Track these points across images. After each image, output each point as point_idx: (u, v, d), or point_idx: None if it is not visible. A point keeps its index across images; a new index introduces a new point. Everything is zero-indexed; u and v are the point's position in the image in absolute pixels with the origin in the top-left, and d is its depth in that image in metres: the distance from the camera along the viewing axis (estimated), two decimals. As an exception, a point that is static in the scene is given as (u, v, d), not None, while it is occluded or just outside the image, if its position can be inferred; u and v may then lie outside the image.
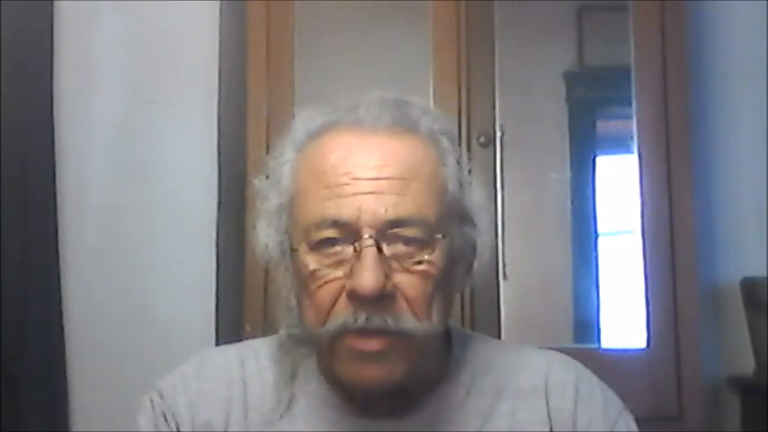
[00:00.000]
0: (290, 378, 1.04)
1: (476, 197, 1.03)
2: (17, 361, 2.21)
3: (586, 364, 1.10)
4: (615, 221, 2.14)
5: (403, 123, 0.99)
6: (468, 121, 2.07)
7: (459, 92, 2.07)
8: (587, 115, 2.24)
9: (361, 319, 0.93)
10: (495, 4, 2.11)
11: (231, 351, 1.09)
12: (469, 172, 1.04)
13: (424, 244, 0.95)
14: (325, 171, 0.96)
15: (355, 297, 0.93)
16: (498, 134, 2.07)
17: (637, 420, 1.07)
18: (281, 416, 1.02)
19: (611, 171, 2.19)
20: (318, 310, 0.95)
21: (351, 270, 0.93)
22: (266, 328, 1.14)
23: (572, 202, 2.15)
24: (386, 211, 0.94)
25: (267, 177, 1.03)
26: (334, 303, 0.94)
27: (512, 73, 2.11)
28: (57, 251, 2.29)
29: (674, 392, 1.97)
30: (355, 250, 0.93)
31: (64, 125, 2.35)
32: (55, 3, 2.36)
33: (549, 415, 1.03)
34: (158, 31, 2.42)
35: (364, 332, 0.93)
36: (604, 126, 2.27)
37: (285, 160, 1.01)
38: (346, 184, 0.95)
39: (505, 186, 2.05)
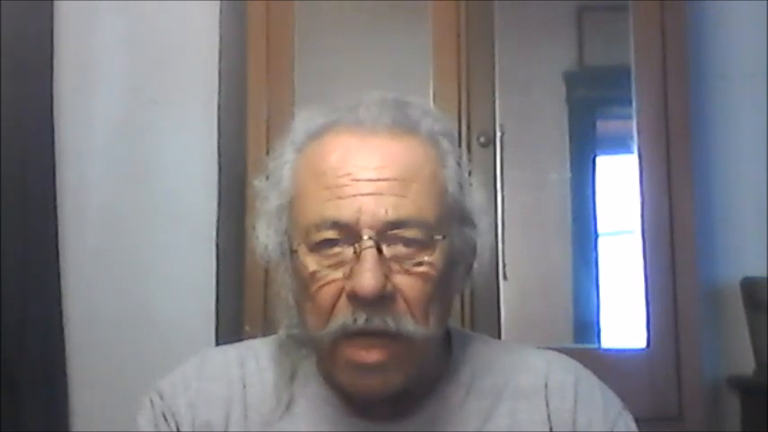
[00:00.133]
0: (290, 378, 1.04)
1: (476, 198, 1.02)
2: (17, 361, 2.21)
3: (586, 364, 1.10)
4: (615, 221, 2.14)
5: (403, 124, 0.98)
6: (468, 121, 2.07)
7: (459, 92, 2.08)
8: (587, 115, 2.24)
9: (361, 320, 0.93)
10: (495, 4, 2.11)
11: (231, 351, 1.09)
12: (469, 173, 1.03)
13: (424, 245, 0.95)
14: (325, 172, 0.96)
15: (355, 298, 0.93)
16: (498, 134, 2.07)
17: (637, 420, 1.07)
18: (281, 416, 1.02)
19: (611, 171, 2.19)
20: (318, 311, 0.95)
21: (351, 271, 0.93)
22: (266, 329, 1.14)
23: (572, 202, 2.15)
24: (386, 212, 0.93)
25: (267, 178, 1.03)
26: (333, 304, 0.94)
27: (512, 73, 2.11)
28: (57, 251, 2.29)
29: (674, 392, 1.97)
30: (355, 251, 0.93)
31: (64, 125, 2.35)
32: (55, 3, 2.36)
33: (548, 415, 1.03)
34: (158, 31, 2.42)
35: (364, 334, 0.93)
36: (604, 126, 2.27)
37: (285, 161, 1.01)
38: (346, 186, 0.94)
39: (505, 186, 2.05)
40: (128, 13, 2.41)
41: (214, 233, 2.27)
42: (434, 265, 0.95)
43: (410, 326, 0.94)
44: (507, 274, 2.02)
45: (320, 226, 0.95)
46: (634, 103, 2.08)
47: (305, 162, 0.99)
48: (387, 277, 0.93)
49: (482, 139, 2.06)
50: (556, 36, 2.23)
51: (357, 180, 0.94)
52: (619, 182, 2.11)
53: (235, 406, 1.03)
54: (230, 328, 2.14)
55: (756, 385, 2.15)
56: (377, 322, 0.93)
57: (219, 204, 2.27)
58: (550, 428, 1.02)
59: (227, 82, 2.29)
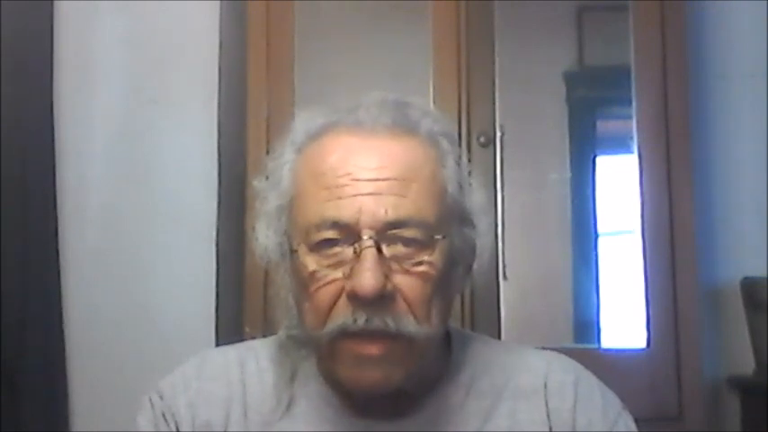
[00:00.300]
0: (290, 379, 1.04)
1: (475, 198, 1.03)
2: (17, 361, 2.21)
3: (586, 364, 1.10)
4: (615, 221, 2.14)
5: (403, 125, 0.99)
6: (468, 121, 2.07)
7: (459, 92, 2.08)
8: (587, 115, 2.24)
9: (361, 320, 0.93)
10: (495, 4, 2.11)
11: (231, 351, 1.09)
12: (469, 173, 1.04)
13: (424, 245, 0.95)
14: (325, 172, 0.96)
15: (355, 298, 0.93)
16: (498, 134, 2.07)
17: (637, 420, 1.07)
18: (281, 416, 1.02)
19: (611, 171, 2.19)
20: (318, 312, 0.95)
21: (350, 271, 0.93)
22: (266, 329, 1.14)
23: (572, 202, 2.15)
24: (386, 212, 0.94)
25: (267, 178, 1.03)
26: (333, 304, 0.94)
27: (512, 73, 2.11)
28: (57, 251, 2.29)
29: (674, 392, 1.97)
30: (355, 251, 0.93)
31: (64, 125, 2.35)
32: (55, 3, 2.36)
33: (548, 415, 1.03)
34: (158, 31, 2.42)
35: (364, 334, 0.93)
36: (604, 126, 2.27)
37: (285, 161, 1.01)
38: (346, 186, 0.95)
39: (505, 186, 2.05)
40: (128, 13, 2.41)
41: (214, 233, 2.27)
42: (434, 265, 0.95)
43: (410, 326, 0.94)
44: (507, 274, 2.02)
45: (320, 226, 0.95)
46: (634, 103, 2.08)
47: (305, 162, 0.99)
48: (387, 277, 0.93)
49: (482, 139, 2.06)
50: (556, 36, 2.23)
51: (357, 180, 0.94)
52: (619, 182, 2.11)
53: (234, 406, 1.03)
54: (230, 328, 2.14)
55: (756, 385, 2.15)
56: (377, 322, 0.93)
57: (219, 204, 2.27)
58: (550, 428, 1.02)
59: (227, 82, 2.28)
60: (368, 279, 0.91)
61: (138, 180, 2.39)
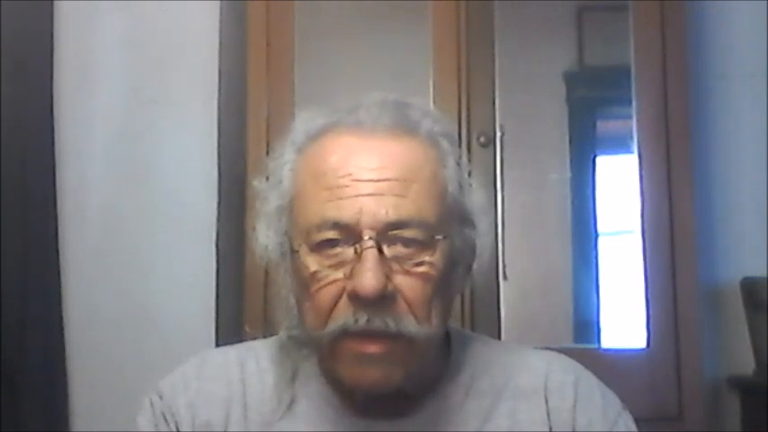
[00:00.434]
0: (291, 379, 1.04)
1: (475, 198, 1.03)
2: (17, 361, 2.22)
3: (586, 364, 1.10)
4: (615, 221, 2.14)
5: (403, 125, 0.99)
6: (468, 121, 2.07)
7: (459, 92, 2.07)
8: (587, 115, 2.24)
9: (362, 321, 0.93)
10: (495, 4, 2.11)
11: (231, 352, 1.09)
12: (469, 173, 1.04)
13: (425, 245, 0.95)
14: (326, 173, 0.96)
15: (356, 298, 0.93)
16: (498, 134, 2.07)
17: (637, 420, 1.07)
18: (282, 416, 1.02)
19: (611, 171, 2.19)
20: (319, 312, 0.96)
21: (351, 271, 0.93)
22: (266, 329, 1.14)
23: (572, 202, 2.15)
24: (386, 212, 0.94)
25: (267, 179, 1.04)
26: (334, 305, 0.95)
27: (512, 73, 2.11)
28: (57, 251, 2.30)
29: (674, 392, 1.97)
30: (356, 252, 0.93)
31: (64, 125, 2.35)
32: (55, 3, 2.36)
33: (548, 415, 1.03)
34: (158, 31, 2.42)
35: (365, 334, 0.93)
36: (604, 126, 2.27)
37: (285, 161, 1.01)
38: (347, 186, 0.95)
39: (505, 186, 2.05)
40: (128, 13, 2.41)
41: (214, 233, 2.27)
42: (435, 266, 0.95)
43: (411, 326, 0.94)
44: (507, 274, 2.02)
45: (321, 226, 0.95)
46: (634, 103, 2.08)
47: (305, 163, 1.00)
48: (387, 277, 0.93)
49: (482, 139, 2.06)
50: (556, 36, 2.23)
51: (357, 181, 0.95)
52: (619, 182, 2.11)
53: (234, 406, 1.03)
54: (230, 328, 2.14)
55: (756, 385, 2.15)
56: (377, 323, 0.93)
57: (219, 204, 2.27)
58: (550, 428, 1.02)
59: (227, 82, 2.28)
60: (369, 279, 0.91)
61: (138, 180, 2.39)
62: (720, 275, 2.29)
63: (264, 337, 1.11)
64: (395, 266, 0.94)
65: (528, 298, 2.11)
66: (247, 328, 1.97)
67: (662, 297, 2.00)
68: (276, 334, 1.08)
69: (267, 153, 1.93)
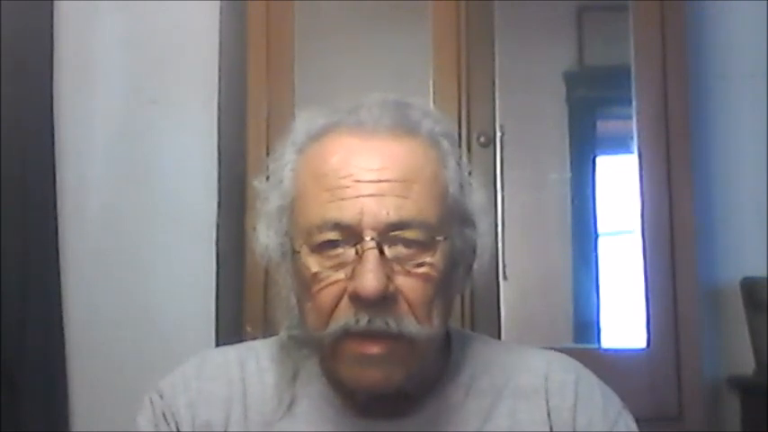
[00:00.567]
0: (292, 378, 1.04)
1: (476, 199, 1.03)
2: (17, 361, 2.21)
3: (586, 364, 1.10)
4: (615, 221, 2.14)
5: (404, 125, 0.99)
6: (468, 121, 2.07)
7: (459, 92, 2.07)
8: (587, 115, 2.24)
9: (363, 322, 0.93)
10: (495, 4, 2.11)
11: (231, 351, 1.09)
12: (469, 173, 1.04)
13: (426, 246, 0.95)
14: (327, 173, 0.96)
15: (357, 299, 0.93)
16: (498, 134, 2.07)
17: (637, 420, 1.07)
18: (282, 416, 1.02)
19: (611, 171, 2.19)
20: (320, 313, 0.96)
21: (352, 272, 0.93)
22: (266, 329, 1.14)
23: (572, 202, 2.15)
24: (387, 213, 0.94)
25: (267, 179, 1.04)
26: (335, 305, 0.95)
27: (512, 73, 2.11)
28: (57, 251, 2.29)
29: (674, 392, 1.97)
30: (357, 252, 0.93)
31: (64, 125, 2.35)
32: (55, 3, 2.36)
33: (548, 415, 1.03)
34: (158, 31, 2.42)
35: (366, 334, 0.93)
36: (604, 126, 2.28)
37: (286, 162, 1.01)
38: (348, 187, 0.95)
39: (505, 186, 2.05)
40: (128, 13, 2.41)
41: (214, 233, 2.27)
42: (436, 266, 0.95)
43: (412, 327, 0.94)
44: (507, 274, 2.02)
45: (322, 227, 0.95)
46: (634, 103, 2.08)
47: (306, 163, 1.00)
48: (388, 278, 0.93)
49: (482, 139, 2.06)
50: (556, 36, 2.23)
51: (359, 181, 0.95)
52: (619, 182, 2.11)
53: (235, 406, 1.04)
54: (230, 328, 2.14)
55: (756, 385, 2.15)
56: (378, 323, 0.93)
57: (219, 205, 2.27)
58: (550, 428, 1.02)
59: (227, 82, 2.28)
60: (370, 280, 0.92)
61: (138, 180, 2.39)
62: (720, 275, 2.29)
63: (265, 337, 1.11)
64: (396, 267, 0.94)
65: (528, 298, 2.11)
66: (249, 327, 1.97)
67: (662, 297, 2.00)
68: (276, 334, 1.08)
69: (267, 153, 1.94)
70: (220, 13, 2.33)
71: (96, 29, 2.42)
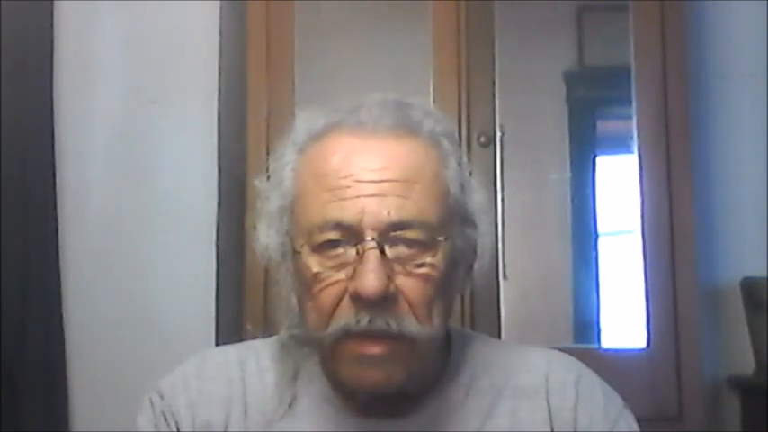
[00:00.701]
0: (292, 378, 1.04)
1: (476, 199, 1.03)
2: (17, 361, 2.21)
3: (586, 365, 1.10)
4: (615, 221, 2.14)
5: (404, 125, 0.99)
6: (468, 121, 2.07)
7: (460, 92, 2.07)
8: (587, 115, 2.24)
9: (364, 322, 0.93)
10: (495, 4, 2.11)
11: (231, 351, 1.09)
12: (470, 173, 1.04)
13: (427, 246, 0.95)
14: (327, 173, 0.96)
15: (358, 299, 0.93)
16: (498, 134, 2.07)
17: (637, 420, 1.07)
18: (283, 415, 1.02)
19: (611, 171, 2.19)
20: (321, 313, 0.96)
21: (353, 272, 0.93)
22: (267, 329, 1.14)
23: (572, 202, 2.15)
24: (388, 213, 0.94)
25: (268, 178, 1.03)
26: (336, 305, 0.95)
27: (512, 73, 2.11)
28: (57, 251, 2.29)
29: (674, 392, 1.97)
30: (358, 252, 0.93)
31: (64, 125, 2.35)
32: (55, 3, 2.36)
33: (549, 414, 1.03)
34: (158, 31, 2.42)
35: (367, 334, 0.93)
36: (604, 126, 2.28)
37: (286, 162, 1.01)
38: (348, 187, 0.95)
39: (505, 186, 2.05)
40: (128, 13, 2.41)
41: (214, 233, 2.27)
42: (436, 267, 0.95)
43: (412, 326, 0.94)
44: (507, 274, 2.02)
45: (323, 227, 0.95)
46: (634, 103, 2.08)
47: (307, 163, 1.00)
48: (389, 278, 0.93)
49: (482, 139, 2.06)
50: (556, 36, 2.23)
51: (359, 181, 0.95)
52: (619, 182, 2.11)
53: (235, 406, 1.03)
54: (230, 328, 2.14)
55: (756, 385, 2.15)
56: (379, 323, 0.93)
57: (219, 204, 2.27)
58: (551, 427, 1.02)
59: (227, 82, 2.28)
60: (371, 280, 0.92)
61: (138, 180, 2.39)
62: (720, 275, 2.29)
63: (265, 336, 1.11)
64: (396, 267, 0.94)
65: (528, 298, 2.11)
66: (249, 326, 1.97)
67: (662, 297, 2.00)
68: (277, 334, 1.08)
69: (267, 153, 1.94)
70: (220, 13, 2.33)
71: (96, 29, 2.42)
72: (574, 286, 2.15)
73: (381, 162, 0.95)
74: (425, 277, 0.95)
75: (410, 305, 0.94)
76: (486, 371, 1.05)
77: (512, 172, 2.07)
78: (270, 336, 1.10)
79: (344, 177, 0.95)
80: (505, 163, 2.07)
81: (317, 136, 1.00)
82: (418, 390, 1.01)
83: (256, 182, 1.05)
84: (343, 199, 0.94)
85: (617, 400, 1.07)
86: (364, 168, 0.95)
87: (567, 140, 2.16)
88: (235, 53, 2.24)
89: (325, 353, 0.99)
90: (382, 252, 0.93)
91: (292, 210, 1.00)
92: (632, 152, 2.06)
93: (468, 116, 2.07)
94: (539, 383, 1.04)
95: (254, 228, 1.03)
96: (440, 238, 0.96)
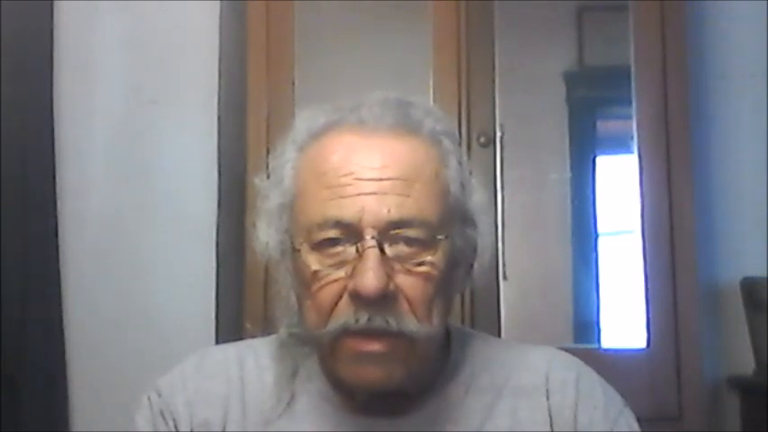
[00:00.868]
0: (291, 376, 1.04)
1: (477, 198, 1.03)
2: (17, 361, 2.21)
3: (586, 364, 1.09)
4: (615, 221, 2.14)
5: (405, 124, 0.99)
6: (468, 121, 2.07)
7: (460, 92, 2.07)
8: (587, 115, 2.24)
9: (363, 320, 0.93)
10: (495, 4, 2.11)
11: (230, 350, 1.09)
12: (470, 173, 1.04)
13: (426, 245, 0.95)
14: (327, 171, 0.96)
15: (357, 297, 0.93)
16: (498, 134, 2.07)
17: (637, 420, 1.07)
18: (282, 414, 1.02)
19: (611, 171, 2.19)
20: (320, 311, 0.96)
21: (353, 270, 0.93)
22: (266, 328, 1.14)
23: (572, 202, 2.15)
24: (388, 211, 0.94)
25: (268, 177, 1.03)
26: (335, 304, 0.95)
27: (512, 73, 2.11)
28: (57, 251, 2.29)
29: (674, 392, 1.97)
30: (357, 251, 0.93)
31: (64, 125, 2.35)
32: (55, 3, 2.36)
33: (549, 413, 1.03)
34: (158, 31, 2.42)
35: (366, 333, 0.93)
36: (604, 126, 2.28)
37: (286, 160, 1.01)
38: (348, 185, 0.95)
39: (505, 186, 2.05)
40: (128, 13, 2.41)
41: (214, 233, 2.27)
42: (436, 265, 0.95)
43: (412, 325, 0.94)
44: (507, 274, 2.02)
45: (323, 225, 0.95)
46: (634, 103, 2.08)
47: (307, 161, 1.00)
48: (389, 277, 0.93)
49: (482, 139, 2.06)
50: (556, 36, 2.23)
51: (359, 179, 0.95)
52: (619, 182, 2.11)
53: (233, 404, 1.03)
54: (230, 328, 2.14)
55: (756, 385, 2.15)
56: (378, 322, 0.93)
57: (219, 204, 2.27)
58: (551, 426, 1.02)
59: (227, 82, 2.28)
60: (370, 279, 0.92)
61: (138, 180, 2.39)
62: (720, 275, 2.29)
63: (264, 335, 1.11)
64: (396, 266, 0.94)
65: (528, 298, 2.11)
66: (248, 325, 1.97)
67: (662, 297, 2.00)
68: (276, 332, 1.08)
69: (267, 153, 1.94)
70: (220, 13, 2.33)
71: (96, 29, 2.42)
72: (574, 286, 2.14)
73: (381, 160, 0.95)
74: (425, 276, 0.95)
75: (410, 304, 0.94)
76: (486, 369, 1.05)
77: (512, 172, 2.07)
78: (269, 334, 1.10)
79: (345, 175, 0.95)
80: (505, 163, 2.07)
81: (318, 134, 1.00)
82: (418, 388, 1.01)
83: (256, 180, 1.05)
84: (343, 197, 0.94)
85: (617, 399, 1.07)
86: (364, 166, 0.95)
87: (567, 140, 2.16)
88: (235, 53, 2.24)
89: (324, 351, 0.99)
90: (382, 250, 0.93)
91: (292, 208, 1.00)
92: (632, 152, 2.06)
93: (468, 116, 2.07)
94: (539, 382, 1.04)
95: (254, 226, 1.03)
96: (440, 237, 0.96)
